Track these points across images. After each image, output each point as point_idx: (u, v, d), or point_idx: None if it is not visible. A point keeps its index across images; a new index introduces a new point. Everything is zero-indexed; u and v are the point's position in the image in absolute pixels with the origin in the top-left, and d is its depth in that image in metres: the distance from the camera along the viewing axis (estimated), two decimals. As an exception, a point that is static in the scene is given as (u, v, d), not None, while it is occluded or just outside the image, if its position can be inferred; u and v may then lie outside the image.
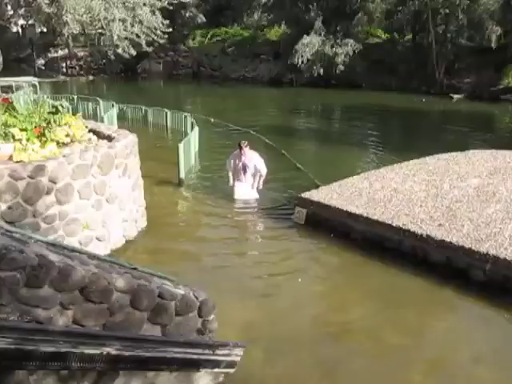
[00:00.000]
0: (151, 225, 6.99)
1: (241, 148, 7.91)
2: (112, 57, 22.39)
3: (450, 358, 4.33)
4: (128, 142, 6.41)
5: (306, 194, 7.29)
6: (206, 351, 3.29)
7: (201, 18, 31.73)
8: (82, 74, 32.73)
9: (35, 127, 5.87)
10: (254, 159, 8.02)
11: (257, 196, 8.12)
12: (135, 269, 3.37)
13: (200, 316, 3.47)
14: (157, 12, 20.11)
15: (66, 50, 35.00)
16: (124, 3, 17.98)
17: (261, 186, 8.11)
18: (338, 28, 25.70)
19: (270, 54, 28.96)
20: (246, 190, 8.10)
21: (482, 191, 7.32)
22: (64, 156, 5.48)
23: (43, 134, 5.82)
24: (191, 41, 33.80)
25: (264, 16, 31.62)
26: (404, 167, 8.60)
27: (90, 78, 31.39)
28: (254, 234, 6.91)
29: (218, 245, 6.31)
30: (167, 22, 20.61)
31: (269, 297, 5.55)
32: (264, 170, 8.08)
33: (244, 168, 7.98)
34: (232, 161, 8.17)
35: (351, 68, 24.19)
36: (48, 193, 5.20)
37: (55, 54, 36.11)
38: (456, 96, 21.78)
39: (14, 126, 5.74)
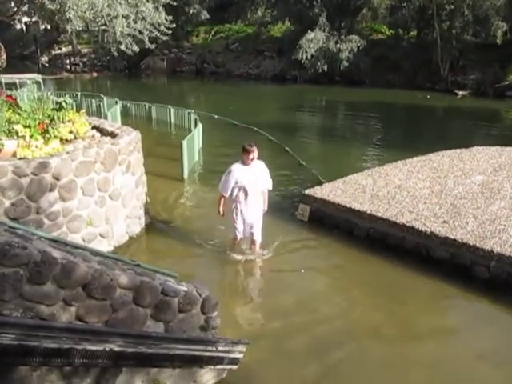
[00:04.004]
0: (154, 221, 7.00)
1: (248, 152, 5.51)
2: (115, 53, 22.39)
3: (453, 355, 4.31)
4: (131, 138, 6.41)
5: (309, 191, 7.27)
6: (209, 348, 3.30)
7: (204, 15, 31.71)
8: (85, 71, 32.79)
9: (39, 124, 5.87)
10: (262, 170, 5.78)
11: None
12: (138, 265, 3.37)
13: (203, 313, 3.47)
14: (160, 8, 20.07)
15: (70, 47, 35.11)
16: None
17: (265, 208, 6.01)
18: (342, 24, 25.64)
19: (274, 50, 28.91)
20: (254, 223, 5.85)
21: (486, 188, 7.28)
22: (67, 153, 5.48)
23: (47, 131, 5.83)
24: (195, 37, 33.81)
25: (268, 12, 31.54)
26: (408, 164, 8.56)
27: (94, 74, 31.44)
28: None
29: (221, 242, 6.30)
30: (171, 18, 20.57)
31: (271, 294, 5.54)
32: (271, 185, 5.94)
33: (250, 185, 5.63)
34: (234, 178, 5.56)
35: (355, 64, 24.11)
36: (51, 189, 5.21)
37: (59, 51, 36.23)
38: (461, 92, 21.68)
39: (18, 123, 5.75)
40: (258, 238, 5.93)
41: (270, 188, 5.97)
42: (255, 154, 5.57)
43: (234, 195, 5.68)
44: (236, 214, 5.79)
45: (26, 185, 4.99)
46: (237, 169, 5.61)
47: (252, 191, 5.67)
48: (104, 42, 24.28)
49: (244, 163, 5.60)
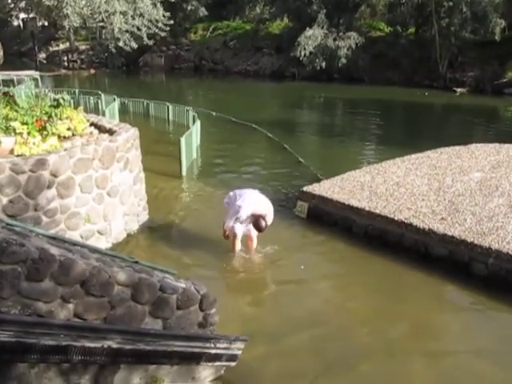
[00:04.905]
0: (152, 219, 6.99)
1: (259, 230, 5.75)
2: (113, 50, 22.32)
3: (451, 352, 4.33)
4: (129, 135, 6.39)
5: (307, 188, 7.27)
6: (207, 345, 3.30)
7: (202, 12, 31.58)
8: (83, 68, 32.66)
9: (36, 121, 5.85)
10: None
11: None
12: (136, 262, 3.37)
13: (201, 310, 3.47)
14: (158, 5, 20.03)
15: (68, 44, 34.96)
16: (125, -4, 17.93)
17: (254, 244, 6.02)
18: (340, 21, 25.57)
19: (272, 47, 28.84)
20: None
21: (484, 185, 7.29)
22: (65, 150, 5.46)
23: (44, 128, 5.81)
24: (193, 34, 33.70)
25: (266, 9, 31.44)
26: (406, 161, 8.57)
27: (92, 71, 31.30)
28: (255, 228, 6.88)
29: (219, 238, 6.29)
30: (168, 14, 20.52)
31: (269, 291, 5.55)
32: (270, 221, 5.88)
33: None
34: (249, 210, 5.66)
35: (354, 62, 24.08)
36: (49, 186, 5.20)
37: (56, 48, 36.09)
38: (459, 90, 21.67)
39: (15, 120, 5.73)
40: (254, 234, 5.94)
41: (269, 224, 5.85)
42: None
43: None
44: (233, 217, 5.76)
45: (23, 182, 4.98)
46: (251, 200, 5.69)
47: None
48: (102, 38, 24.21)
49: (250, 221, 5.71)
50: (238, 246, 5.99)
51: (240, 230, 5.86)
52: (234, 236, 5.92)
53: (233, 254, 5.97)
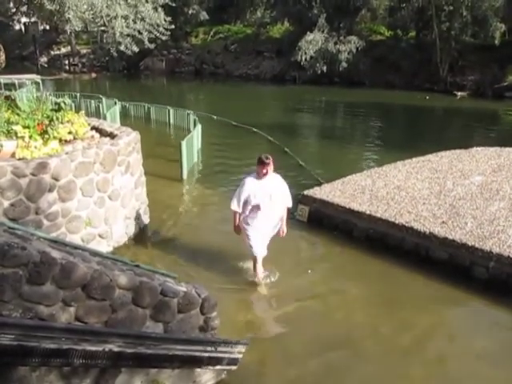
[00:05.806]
0: (154, 222, 7.00)
1: (263, 165, 4.97)
2: (114, 54, 22.36)
3: (452, 356, 4.32)
4: (131, 139, 6.41)
5: (308, 192, 7.28)
6: (208, 348, 3.30)
7: (203, 16, 31.68)
8: (84, 72, 32.77)
9: (38, 124, 5.88)
10: (279, 185, 5.25)
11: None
12: (137, 266, 3.37)
13: (202, 313, 3.47)
14: (159, 9, 20.07)
15: (69, 48, 35.08)
16: (126, 0, 17.93)
17: (285, 230, 5.44)
18: (341, 25, 25.65)
19: (273, 51, 28.91)
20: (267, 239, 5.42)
21: (485, 189, 7.29)
22: (66, 153, 5.48)
23: (46, 132, 5.83)
24: (194, 38, 33.80)
25: (267, 13, 31.54)
26: (407, 165, 8.58)
27: (93, 75, 31.40)
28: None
29: (220, 242, 6.29)
30: (169, 19, 20.57)
31: (271, 295, 5.54)
32: (290, 202, 5.44)
33: (264, 203, 5.08)
34: (247, 191, 5.04)
35: (354, 65, 24.13)
36: (50, 190, 5.21)
37: (58, 52, 36.21)
38: (460, 93, 21.70)
39: (17, 124, 5.75)
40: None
41: (290, 205, 5.44)
42: (270, 167, 5.01)
43: (248, 212, 5.14)
44: (250, 232, 5.25)
45: (25, 185, 4.99)
46: (250, 182, 5.06)
47: (267, 209, 5.13)
48: (103, 42, 24.26)
49: (257, 177, 5.06)
50: (260, 269, 5.43)
51: (258, 246, 5.31)
52: (255, 257, 5.38)
53: (255, 274, 5.48)
